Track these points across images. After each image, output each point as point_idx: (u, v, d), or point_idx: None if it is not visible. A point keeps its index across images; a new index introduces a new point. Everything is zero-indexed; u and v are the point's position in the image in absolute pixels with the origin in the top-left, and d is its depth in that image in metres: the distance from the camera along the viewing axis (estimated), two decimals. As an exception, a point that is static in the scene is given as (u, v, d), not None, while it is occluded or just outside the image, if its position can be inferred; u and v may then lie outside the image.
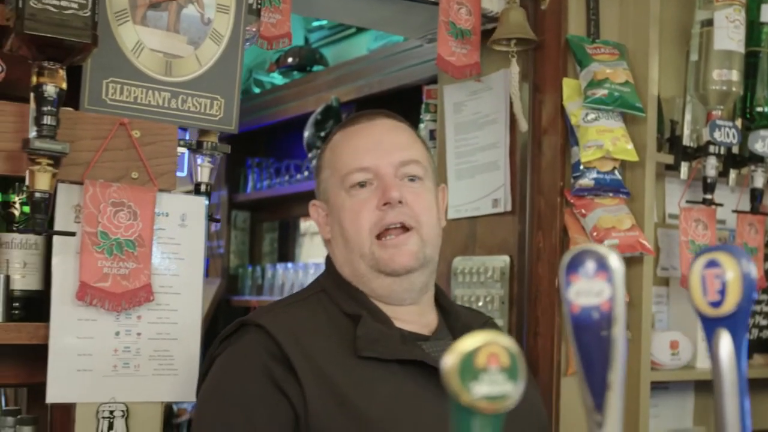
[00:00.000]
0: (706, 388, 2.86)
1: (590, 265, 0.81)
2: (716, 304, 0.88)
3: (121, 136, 1.85)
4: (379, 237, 1.62)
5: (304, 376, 1.50)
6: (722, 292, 0.88)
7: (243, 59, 1.98)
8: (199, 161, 2.05)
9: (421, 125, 3.71)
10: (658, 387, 2.69)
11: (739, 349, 0.88)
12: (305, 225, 5.25)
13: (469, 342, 0.72)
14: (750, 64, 2.65)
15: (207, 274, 5.50)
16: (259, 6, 2.04)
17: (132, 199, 1.85)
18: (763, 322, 3.03)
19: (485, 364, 0.71)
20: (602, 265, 0.81)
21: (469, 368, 0.71)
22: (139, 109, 1.87)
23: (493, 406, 0.71)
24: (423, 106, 3.61)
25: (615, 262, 0.81)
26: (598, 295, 0.81)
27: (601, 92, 2.48)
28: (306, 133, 4.46)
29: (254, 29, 2.03)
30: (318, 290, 1.72)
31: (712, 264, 0.89)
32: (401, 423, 1.51)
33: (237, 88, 1.97)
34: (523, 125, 2.60)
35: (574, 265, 0.82)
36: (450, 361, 0.71)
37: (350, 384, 1.52)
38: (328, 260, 1.75)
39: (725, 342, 0.88)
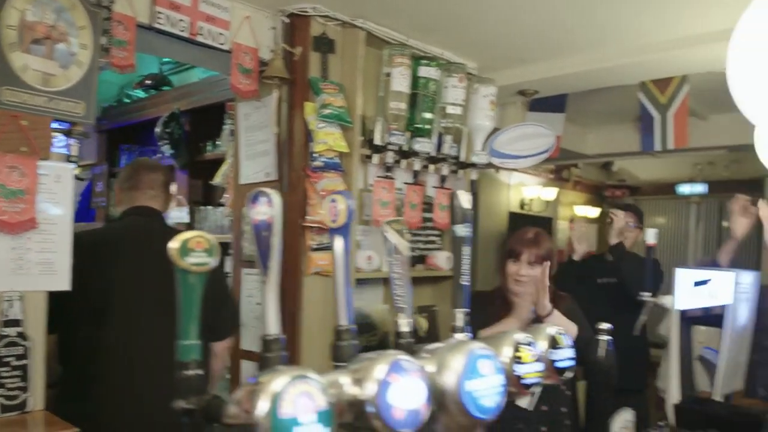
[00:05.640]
0: (388, 282, 3.08)
1: (263, 199, 0.94)
2: (334, 221, 1.05)
3: (14, 124, 1.80)
4: None
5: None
6: (337, 215, 1.04)
7: (97, 79, 1.95)
8: (71, 142, 2.02)
9: (225, 126, 3.75)
10: (360, 282, 2.89)
11: (347, 246, 1.05)
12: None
13: (185, 234, 0.83)
14: (412, 99, 2.86)
15: (95, 219, 5.24)
16: (109, 45, 2.02)
17: (21, 164, 1.81)
18: (422, 246, 3.31)
19: (194, 246, 0.83)
20: (269, 199, 0.95)
21: (185, 248, 0.82)
22: (26, 108, 1.82)
23: (198, 269, 0.83)
24: (226, 114, 3.66)
25: (276, 197, 0.95)
26: (265, 214, 0.94)
27: (327, 111, 2.61)
28: (157, 129, 4.32)
29: (106, 60, 2.01)
30: None
31: (333, 200, 1.05)
32: None
33: (93, 96, 1.94)
34: (274, 129, 2.70)
35: (254, 198, 0.95)
36: (173, 245, 0.82)
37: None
38: None
39: (339, 242, 1.05)
